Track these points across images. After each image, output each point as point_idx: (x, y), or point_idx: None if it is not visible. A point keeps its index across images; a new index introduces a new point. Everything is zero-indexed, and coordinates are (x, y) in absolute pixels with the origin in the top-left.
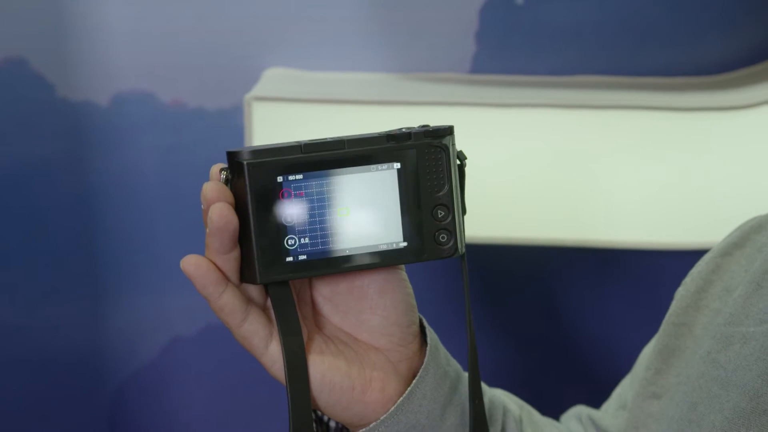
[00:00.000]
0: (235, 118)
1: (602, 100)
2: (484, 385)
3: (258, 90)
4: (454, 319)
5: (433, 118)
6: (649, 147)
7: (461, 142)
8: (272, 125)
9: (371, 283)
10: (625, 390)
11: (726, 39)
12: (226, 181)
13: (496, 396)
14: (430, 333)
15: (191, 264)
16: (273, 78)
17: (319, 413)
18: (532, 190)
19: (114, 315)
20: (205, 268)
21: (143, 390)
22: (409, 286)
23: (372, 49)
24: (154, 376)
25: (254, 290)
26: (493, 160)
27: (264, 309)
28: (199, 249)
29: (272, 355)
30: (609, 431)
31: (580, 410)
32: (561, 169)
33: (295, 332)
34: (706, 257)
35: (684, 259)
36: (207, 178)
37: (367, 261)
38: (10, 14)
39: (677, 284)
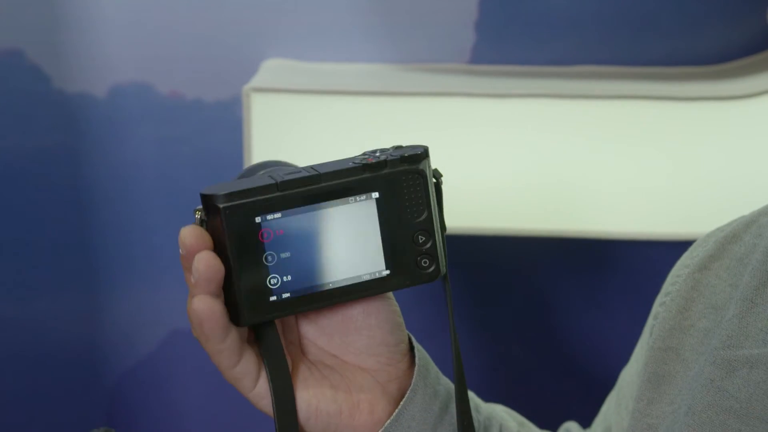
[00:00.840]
0: (233, 110)
1: (602, 90)
2: (481, 402)
3: (256, 81)
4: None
5: (433, 108)
6: (648, 137)
7: (460, 132)
8: (271, 116)
9: (356, 306)
10: (609, 414)
11: (725, 29)
12: (201, 222)
13: (494, 413)
14: (419, 352)
15: (206, 306)
16: (271, 69)
17: None
18: (532, 181)
19: (111, 308)
20: (219, 313)
21: (141, 384)
22: (395, 304)
23: (371, 40)
24: (152, 369)
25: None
26: (491, 151)
27: (252, 345)
28: None
29: (259, 392)
30: None
31: (569, 426)
32: (560, 159)
33: (282, 368)
34: (681, 273)
35: (682, 250)
36: (205, 170)
37: (351, 293)
38: (5, 6)
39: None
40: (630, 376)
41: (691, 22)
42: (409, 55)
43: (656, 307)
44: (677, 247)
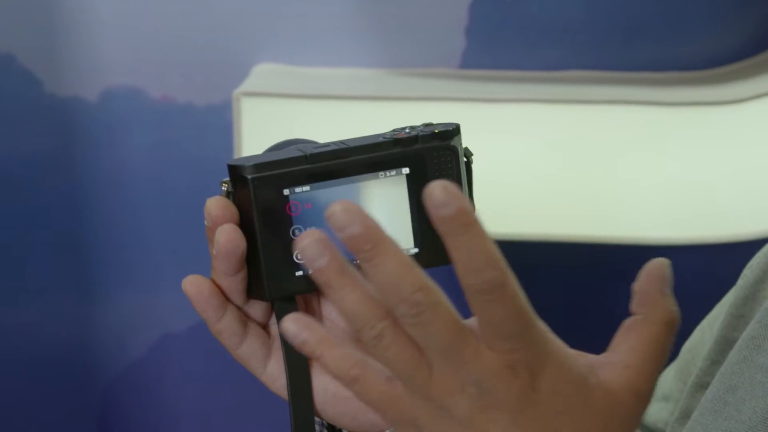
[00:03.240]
0: (224, 114)
1: (592, 95)
2: None
3: (247, 86)
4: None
5: (423, 113)
6: (639, 142)
7: None
8: (261, 121)
9: None
10: (667, 380)
11: (715, 34)
12: (227, 194)
13: None
14: None
15: (194, 285)
16: (262, 73)
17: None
18: (521, 186)
19: (104, 311)
20: (207, 293)
21: (133, 386)
22: None
23: (362, 45)
24: (144, 372)
25: (257, 307)
26: (482, 156)
27: (263, 326)
28: (190, 245)
29: (271, 374)
30: (647, 422)
31: None
32: (550, 164)
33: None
34: (765, 248)
35: (675, 254)
36: (196, 174)
37: None
38: None
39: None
40: (692, 344)
41: (681, 27)
42: (399, 59)
43: (738, 280)
44: (669, 251)
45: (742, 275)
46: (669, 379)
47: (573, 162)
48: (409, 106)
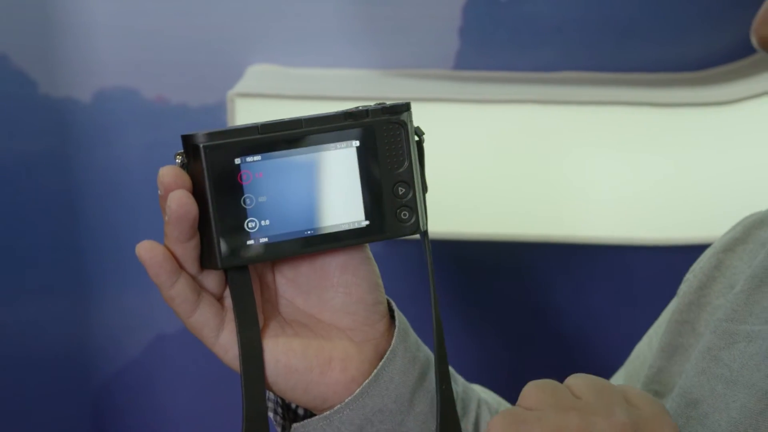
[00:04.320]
0: (218, 115)
1: (585, 96)
2: (459, 377)
3: (241, 86)
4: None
5: (417, 114)
6: (632, 143)
7: (445, 138)
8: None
9: (333, 261)
10: None
11: (708, 35)
12: (182, 166)
13: (471, 388)
14: (399, 316)
15: (147, 251)
16: (256, 74)
17: (287, 400)
18: (516, 186)
19: (98, 312)
20: (161, 257)
21: (128, 387)
22: (374, 264)
23: (356, 46)
24: (138, 372)
25: (210, 279)
26: (476, 156)
27: (218, 298)
28: None
29: (224, 344)
30: None
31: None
32: (544, 165)
33: (252, 319)
34: (707, 253)
35: (667, 256)
36: None
37: (329, 241)
38: None
39: (659, 280)
40: (639, 350)
41: (675, 28)
42: (393, 60)
43: (681, 285)
44: (660, 252)
45: (685, 280)
46: (620, 383)
47: (567, 162)
48: None
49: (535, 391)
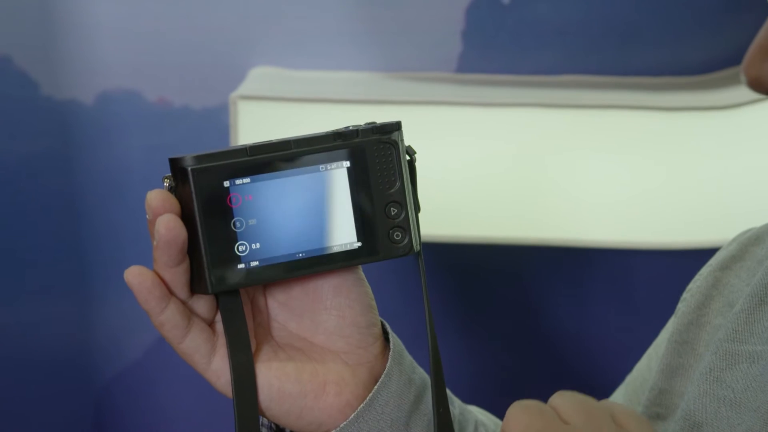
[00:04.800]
0: (220, 117)
1: (587, 99)
2: (456, 399)
3: (243, 89)
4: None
5: (420, 117)
6: (633, 146)
7: (447, 141)
8: (258, 124)
9: (325, 284)
10: None
11: (711, 39)
12: (170, 189)
13: (468, 409)
14: (394, 338)
15: (135, 276)
16: (259, 77)
17: (281, 425)
18: (517, 190)
19: (100, 313)
20: (150, 283)
21: (129, 389)
22: (367, 285)
23: (358, 48)
24: (140, 374)
25: (200, 304)
26: (478, 159)
27: (209, 323)
28: None
29: (216, 371)
30: None
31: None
32: (546, 168)
33: (244, 344)
34: (703, 271)
35: (668, 260)
36: None
37: (321, 264)
38: None
39: (659, 284)
40: (639, 370)
41: (677, 32)
42: (396, 63)
43: (678, 304)
44: (661, 256)
45: (682, 299)
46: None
47: (569, 166)
48: (405, 110)
49: (520, 415)
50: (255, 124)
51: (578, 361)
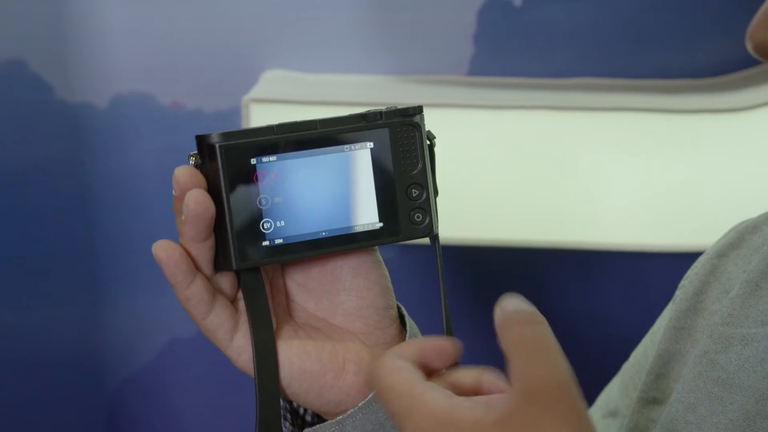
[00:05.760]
0: (233, 120)
1: (600, 102)
2: None
3: (256, 92)
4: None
5: (431, 119)
6: (647, 149)
7: (460, 144)
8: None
9: (344, 265)
10: (612, 397)
11: (723, 41)
12: (196, 166)
13: None
14: (410, 321)
15: (164, 250)
16: (271, 80)
17: (295, 405)
18: (530, 193)
19: (113, 316)
20: (178, 257)
21: (142, 391)
22: (385, 268)
23: (370, 51)
24: (152, 377)
25: (224, 281)
26: (490, 162)
27: (232, 300)
28: None
29: (237, 347)
30: None
31: None
32: (559, 171)
33: (265, 322)
34: (701, 259)
35: (682, 263)
36: None
37: (344, 243)
38: (9, 16)
39: (673, 287)
40: (635, 357)
41: (689, 34)
42: (408, 66)
43: (676, 291)
44: (674, 259)
45: (680, 286)
46: (614, 395)
47: (581, 169)
48: None
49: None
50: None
51: (592, 363)
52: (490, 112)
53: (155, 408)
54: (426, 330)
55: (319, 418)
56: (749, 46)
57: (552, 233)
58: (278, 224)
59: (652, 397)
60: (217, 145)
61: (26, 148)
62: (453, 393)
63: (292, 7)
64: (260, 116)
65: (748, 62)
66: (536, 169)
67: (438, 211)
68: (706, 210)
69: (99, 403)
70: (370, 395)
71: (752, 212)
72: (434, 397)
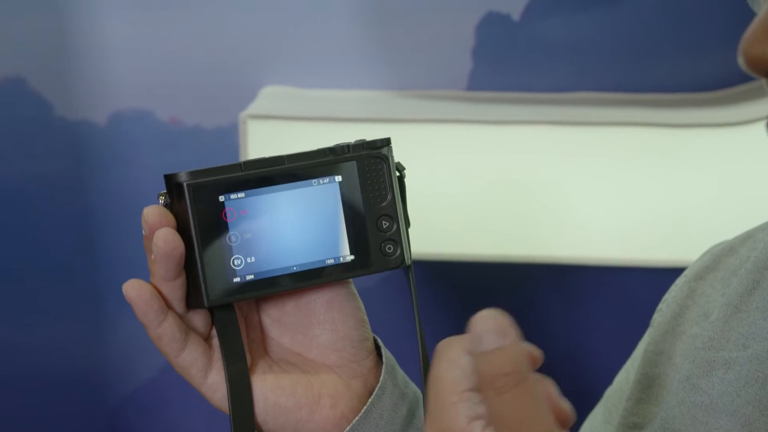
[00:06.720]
0: (232, 136)
1: (599, 116)
2: None
3: (253, 108)
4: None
5: (430, 135)
6: (647, 164)
7: (459, 159)
8: (268, 143)
9: (318, 299)
10: (595, 425)
11: (724, 55)
12: (166, 206)
13: None
14: (386, 353)
15: (134, 289)
16: (269, 96)
17: None
18: (529, 208)
19: (113, 333)
20: (149, 296)
21: (142, 408)
22: (359, 300)
23: (369, 67)
24: (153, 394)
25: (197, 319)
26: (489, 177)
27: (206, 338)
28: None
29: (212, 385)
30: None
31: None
32: (559, 186)
33: (239, 358)
34: (678, 282)
35: (674, 278)
36: None
37: (316, 276)
38: (8, 34)
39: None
40: (618, 383)
41: (689, 48)
42: (406, 81)
43: (654, 315)
44: (669, 274)
45: (658, 310)
46: (597, 422)
47: (582, 184)
48: (416, 128)
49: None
50: (265, 143)
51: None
52: (489, 127)
53: (156, 425)
54: (404, 361)
55: None
56: (741, 61)
57: (549, 248)
58: (249, 260)
59: (632, 423)
60: (185, 184)
61: (26, 165)
62: (484, 415)
63: (291, 24)
64: (258, 132)
65: (748, 76)
66: (537, 183)
67: (410, 242)
68: (707, 225)
69: (100, 419)
70: (347, 428)
71: (750, 226)
72: (458, 413)
